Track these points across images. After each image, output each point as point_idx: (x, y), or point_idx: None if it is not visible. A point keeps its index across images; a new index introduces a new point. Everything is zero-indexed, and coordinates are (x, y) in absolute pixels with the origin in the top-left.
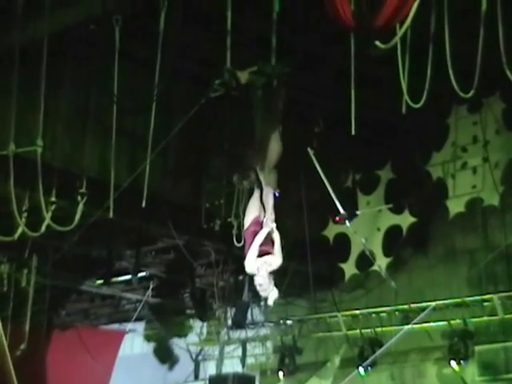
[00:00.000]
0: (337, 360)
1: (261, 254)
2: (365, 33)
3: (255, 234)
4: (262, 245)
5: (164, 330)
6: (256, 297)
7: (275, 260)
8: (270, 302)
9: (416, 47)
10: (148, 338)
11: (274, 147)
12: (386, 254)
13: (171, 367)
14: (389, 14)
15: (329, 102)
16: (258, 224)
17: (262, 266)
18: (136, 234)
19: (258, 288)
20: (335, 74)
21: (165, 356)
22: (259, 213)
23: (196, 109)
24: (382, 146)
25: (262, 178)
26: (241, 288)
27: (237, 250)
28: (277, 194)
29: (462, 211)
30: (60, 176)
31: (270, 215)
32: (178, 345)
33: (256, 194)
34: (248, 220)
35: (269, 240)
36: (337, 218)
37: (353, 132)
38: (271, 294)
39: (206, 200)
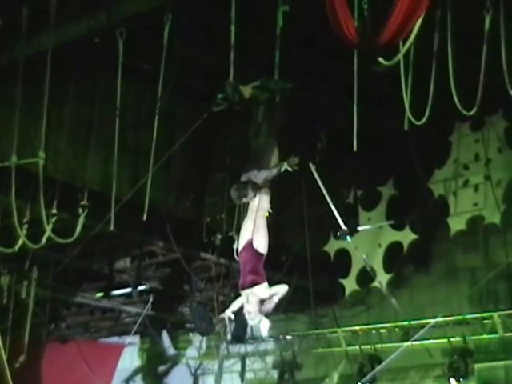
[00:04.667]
0: (335, 376)
1: (249, 285)
2: (368, 49)
3: (246, 259)
4: (251, 273)
5: (162, 343)
6: None
7: (262, 291)
8: (265, 333)
9: (419, 64)
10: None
11: (273, 163)
12: (387, 270)
13: None
14: (392, 31)
15: (331, 118)
16: (249, 248)
17: (250, 295)
18: (137, 248)
19: (247, 316)
20: (338, 90)
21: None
22: (252, 235)
23: (198, 123)
24: (384, 162)
25: (260, 193)
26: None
27: (237, 264)
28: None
29: (463, 229)
30: (61, 188)
31: (261, 238)
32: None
33: (250, 214)
34: (242, 242)
35: (259, 268)
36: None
37: (355, 148)
38: (263, 324)
39: (207, 214)
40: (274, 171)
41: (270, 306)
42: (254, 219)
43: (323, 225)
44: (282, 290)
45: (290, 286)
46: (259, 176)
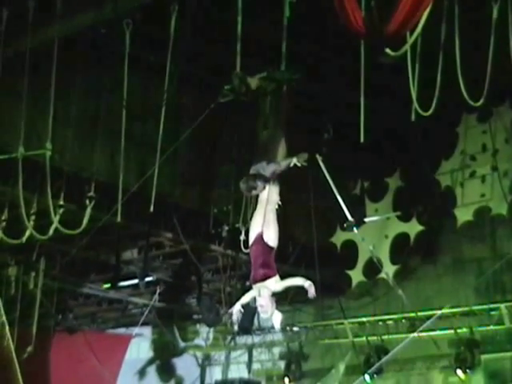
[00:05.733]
0: (342, 367)
1: (261, 279)
2: (375, 40)
3: (256, 252)
4: (262, 267)
5: (170, 335)
6: None
7: (273, 284)
8: (277, 327)
9: (426, 55)
10: (151, 362)
11: (280, 154)
12: (394, 261)
13: None
14: (399, 21)
15: (338, 110)
16: (260, 241)
17: (262, 289)
18: (144, 239)
19: (260, 309)
20: (346, 81)
21: (167, 375)
22: (262, 228)
23: (205, 114)
24: (391, 153)
25: (268, 185)
26: None
27: (244, 255)
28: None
29: (470, 220)
30: (69, 180)
31: (271, 232)
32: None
33: (259, 207)
34: (252, 236)
35: (270, 261)
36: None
37: (361, 139)
38: (275, 317)
39: (214, 206)
40: (283, 165)
41: (312, 290)
42: (264, 212)
43: (330, 216)
44: (299, 281)
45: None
46: (268, 169)
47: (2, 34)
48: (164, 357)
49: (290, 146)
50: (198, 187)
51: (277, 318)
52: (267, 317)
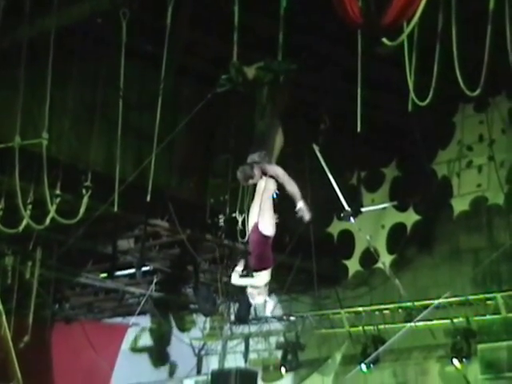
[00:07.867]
0: (338, 356)
1: (257, 269)
2: (372, 30)
3: (254, 242)
4: (258, 257)
5: (166, 324)
6: None
7: (268, 276)
8: (268, 313)
9: (423, 45)
10: (141, 350)
11: (277, 144)
12: (390, 251)
13: (171, 374)
14: (396, 11)
15: (335, 100)
16: (256, 231)
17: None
18: (140, 229)
19: (249, 296)
20: (342, 72)
21: (160, 361)
22: (258, 218)
23: (202, 104)
24: (388, 143)
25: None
26: None
27: (241, 245)
28: (276, 194)
29: (467, 210)
30: (65, 169)
31: (266, 221)
32: (181, 340)
33: (256, 196)
34: (250, 225)
35: (266, 251)
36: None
37: (358, 129)
38: (267, 304)
39: (211, 196)
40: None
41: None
42: (260, 201)
43: (327, 206)
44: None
45: (293, 267)
46: (265, 158)
47: None
48: (160, 346)
49: (286, 136)
50: (195, 177)
51: (269, 305)
52: (255, 303)
